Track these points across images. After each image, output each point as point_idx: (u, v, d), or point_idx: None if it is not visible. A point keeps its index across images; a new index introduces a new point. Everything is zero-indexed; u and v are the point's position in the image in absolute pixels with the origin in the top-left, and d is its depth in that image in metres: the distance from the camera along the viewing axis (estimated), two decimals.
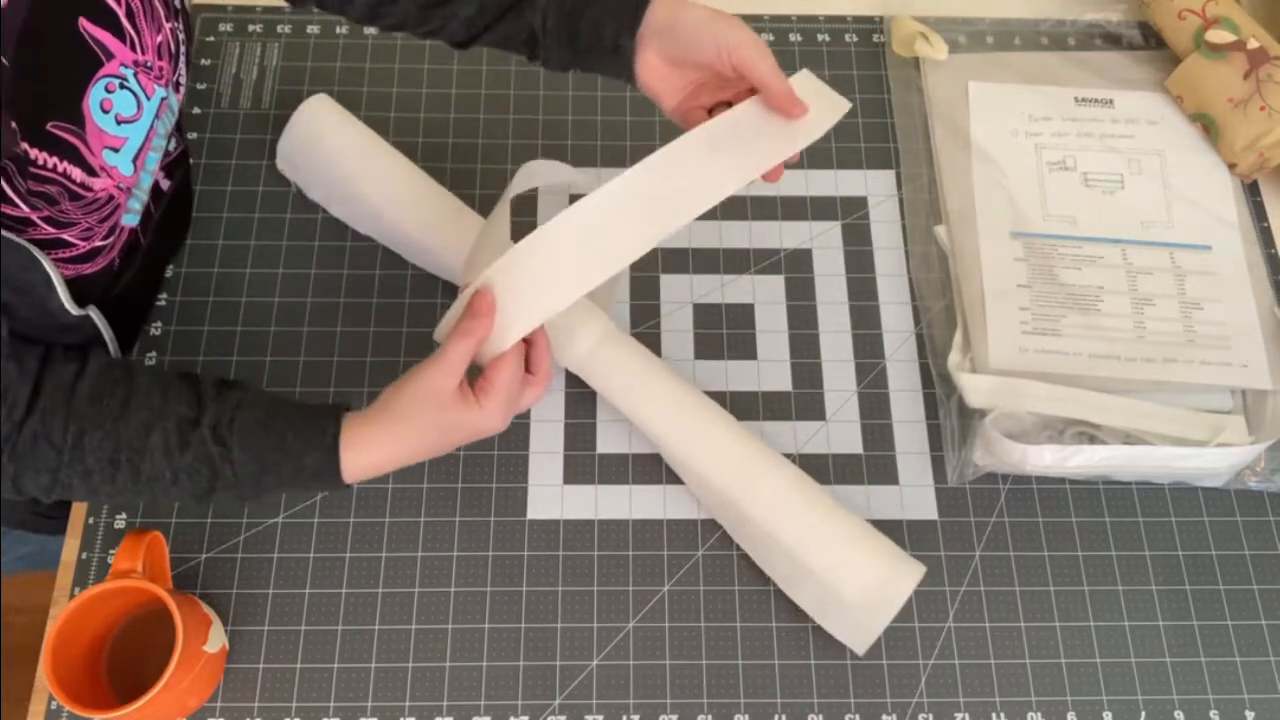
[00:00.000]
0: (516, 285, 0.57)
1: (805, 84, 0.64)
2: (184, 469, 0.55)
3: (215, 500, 0.57)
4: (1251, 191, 0.85)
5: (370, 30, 0.89)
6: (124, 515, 0.71)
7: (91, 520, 0.71)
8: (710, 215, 0.83)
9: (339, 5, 0.66)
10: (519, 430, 0.74)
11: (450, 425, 0.57)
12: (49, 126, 0.53)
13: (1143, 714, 0.68)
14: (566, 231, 0.56)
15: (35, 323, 0.56)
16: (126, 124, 0.59)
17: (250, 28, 0.88)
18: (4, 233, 0.51)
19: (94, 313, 0.61)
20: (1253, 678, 0.69)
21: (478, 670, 0.68)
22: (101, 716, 0.57)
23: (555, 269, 0.57)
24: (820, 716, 0.67)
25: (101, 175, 0.57)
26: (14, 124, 0.50)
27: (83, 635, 0.62)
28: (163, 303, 0.77)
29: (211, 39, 0.88)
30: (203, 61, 0.87)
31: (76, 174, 0.56)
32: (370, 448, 0.56)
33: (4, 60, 0.49)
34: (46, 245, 0.55)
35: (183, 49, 0.64)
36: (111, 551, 0.69)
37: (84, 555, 0.70)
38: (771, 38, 0.90)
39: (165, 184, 0.70)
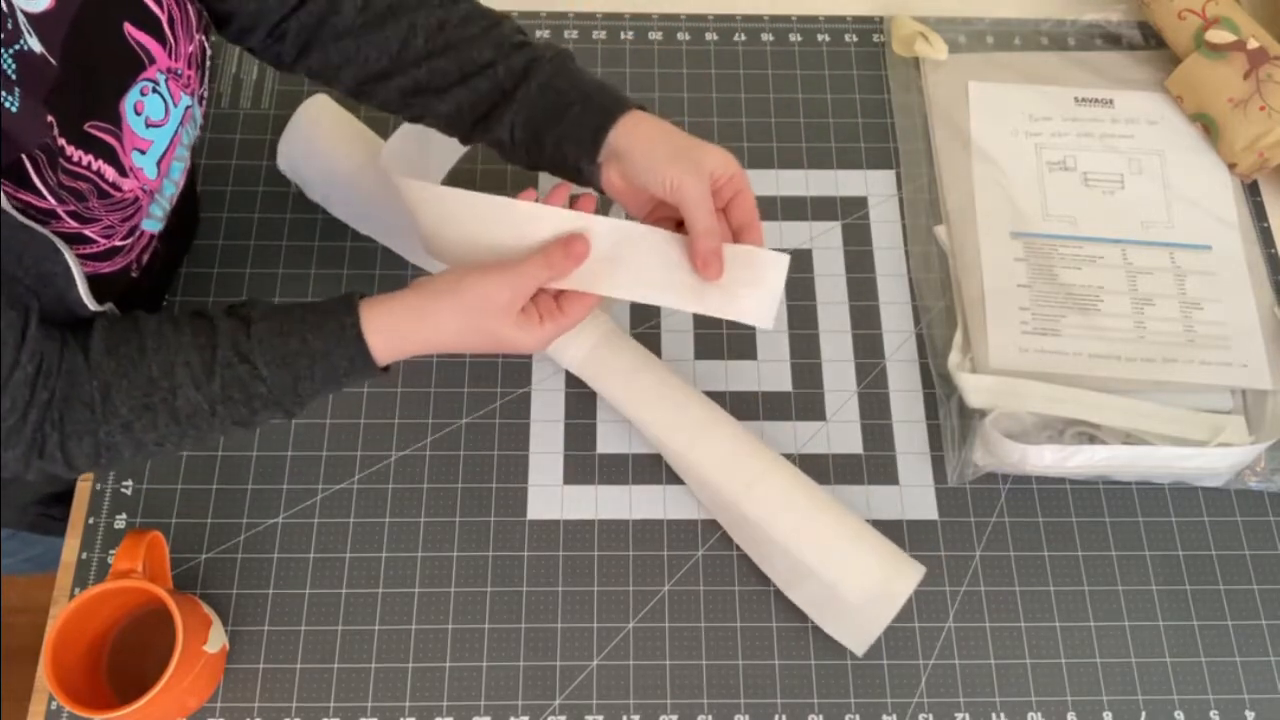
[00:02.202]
0: (608, 250, 0.59)
1: (763, 264, 0.60)
2: (218, 398, 0.55)
3: (260, 421, 0.58)
4: (1251, 191, 0.85)
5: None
6: (124, 515, 0.71)
7: (92, 520, 0.71)
8: None
9: (329, 77, 0.67)
10: (519, 430, 0.75)
11: (497, 337, 0.57)
12: (87, 126, 0.54)
13: (1143, 714, 0.68)
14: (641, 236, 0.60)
15: (54, 315, 0.56)
16: (154, 128, 0.60)
17: None
18: (28, 222, 0.52)
19: (111, 310, 0.61)
20: (1253, 678, 0.69)
21: (478, 670, 0.68)
22: (101, 716, 0.57)
23: (637, 262, 0.59)
24: (820, 716, 0.67)
25: (131, 176, 0.58)
26: (50, 118, 0.51)
27: (83, 635, 0.62)
28: (165, 303, 0.77)
29: (213, 39, 0.88)
30: None
31: (110, 173, 0.56)
32: (402, 332, 0.57)
33: (52, 59, 0.50)
34: (68, 239, 0.55)
35: (208, 61, 0.65)
36: (111, 551, 0.69)
37: (84, 555, 0.70)
38: (771, 38, 0.91)
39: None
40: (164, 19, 0.58)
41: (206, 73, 0.65)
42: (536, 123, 0.62)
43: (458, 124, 0.65)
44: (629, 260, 0.59)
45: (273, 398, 0.56)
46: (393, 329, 0.56)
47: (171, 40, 0.59)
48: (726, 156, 0.60)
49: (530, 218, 0.59)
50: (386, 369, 0.58)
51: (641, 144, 0.60)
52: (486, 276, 0.56)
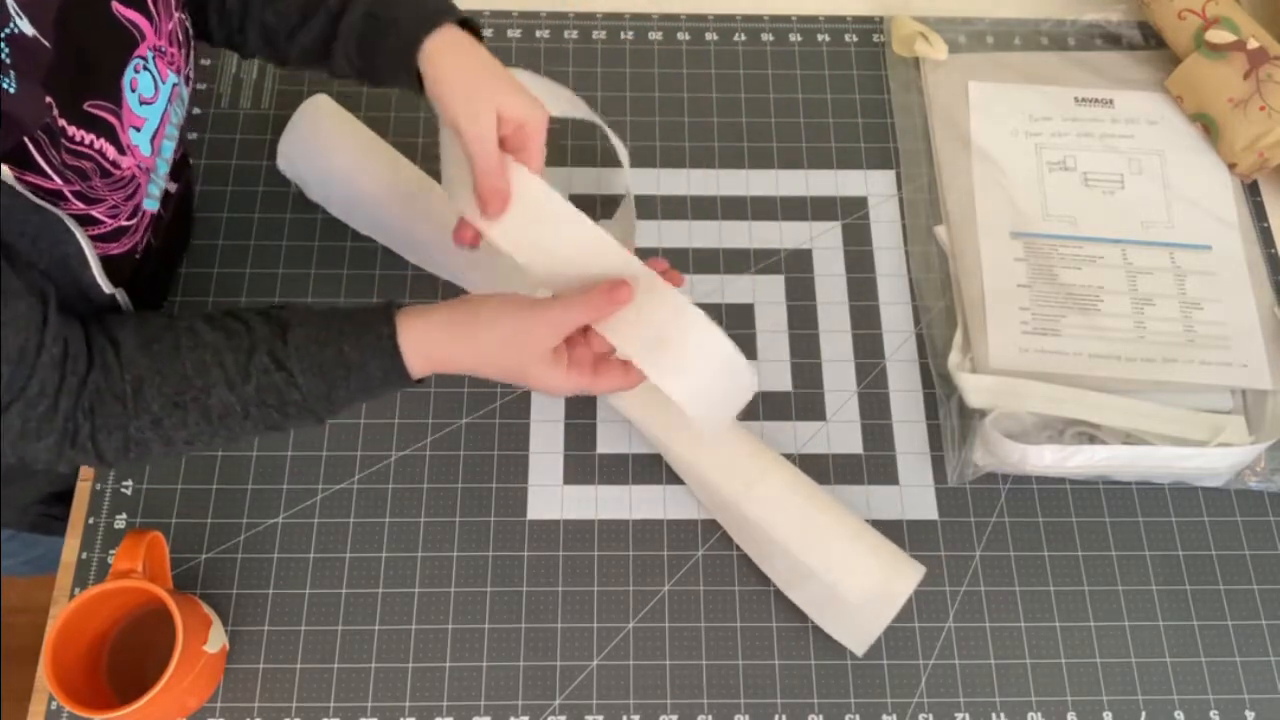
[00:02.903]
0: (653, 306, 0.57)
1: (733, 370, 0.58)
2: (251, 400, 0.55)
3: (292, 426, 0.58)
4: (1251, 191, 0.85)
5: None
6: (124, 515, 0.71)
7: (92, 520, 0.71)
8: (710, 215, 0.83)
9: (207, 34, 0.69)
10: (519, 430, 0.74)
11: (524, 372, 0.57)
12: (86, 105, 0.54)
13: (1143, 714, 0.68)
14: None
15: (69, 300, 0.57)
16: (146, 104, 0.60)
17: None
18: (41, 203, 0.52)
19: (121, 295, 0.61)
20: (1253, 678, 0.69)
21: (478, 670, 0.68)
22: (101, 716, 0.57)
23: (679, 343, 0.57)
24: (820, 716, 0.67)
25: (129, 154, 0.58)
26: (49, 99, 0.51)
27: (83, 635, 0.62)
28: (164, 304, 0.77)
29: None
30: (203, 62, 0.87)
31: (110, 151, 0.57)
32: (436, 349, 0.56)
33: (45, 41, 0.50)
34: (77, 222, 0.56)
35: (191, 41, 0.65)
36: (111, 551, 0.69)
37: (84, 555, 0.70)
38: (772, 37, 0.91)
39: (171, 186, 0.71)
40: None
41: (191, 52, 0.66)
42: (364, 54, 0.63)
43: (314, 67, 0.66)
44: (673, 339, 0.58)
45: (306, 405, 0.56)
46: (429, 345, 0.56)
47: (156, 17, 0.60)
48: (522, 101, 0.60)
49: (600, 251, 0.58)
50: (419, 381, 0.58)
51: (443, 75, 0.60)
52: (525, 313, 0.56)
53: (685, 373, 0.57)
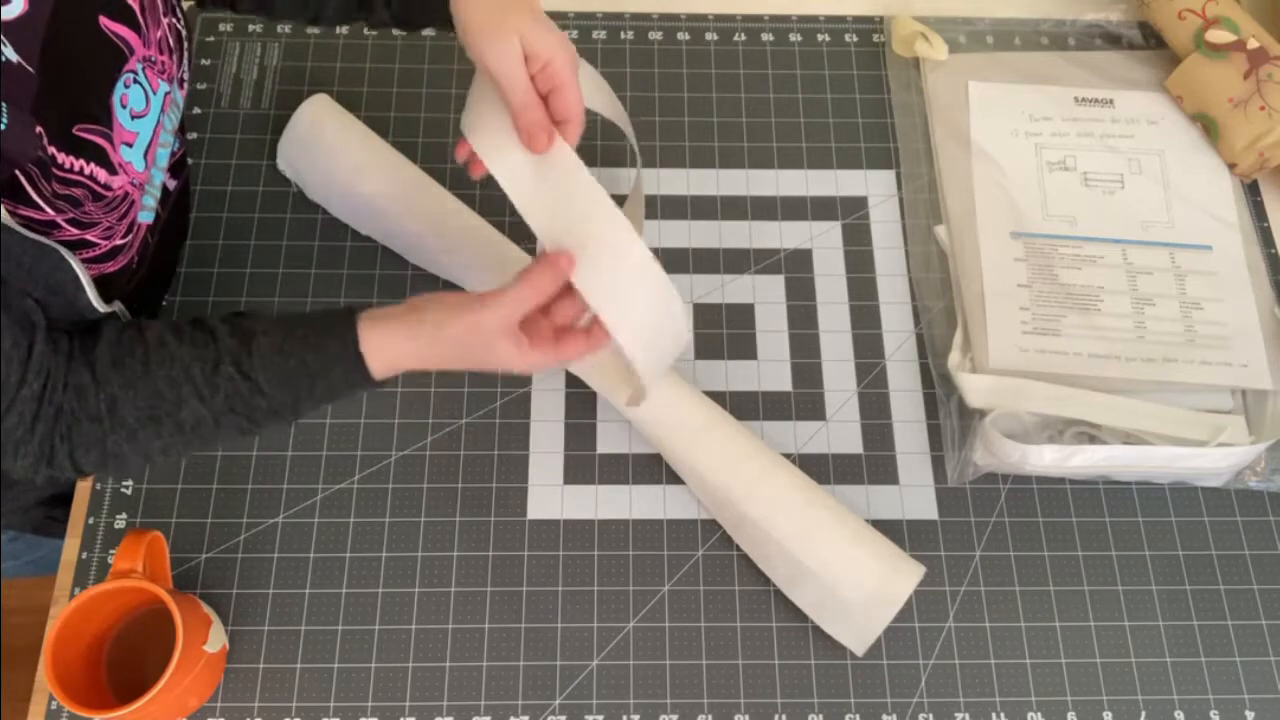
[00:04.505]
0: (601, 265, 0.57)
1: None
2: (221, 410, 0.56)
3: (262, 429, 0.59)
4: (1251, 191, 0.85)
5: (370, 31, 0.89)
6: (124, 515, 0.71)
7: (91, 520, 0.71)
8: (710, 215, 0.83)
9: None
10: (519, 430, 0.74)
11: (484, 357, 0.57)
12: (76, 130, 0.54)
13: (1143, 714, 0.68)
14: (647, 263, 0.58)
15: (64, 320, 0.57)
16: (138, 119, 0.60)
17: (250, 28, 0.88)
18: (36, 236, 0.52)
19: (119, 308, 0.61)
20: (1253, 678, 0.69)
21: (478, 670, 0.68)
22: (101, 716, 0.57)
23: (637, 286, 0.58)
24: (820, 716, 0.67)
25: (120, 173, 0.58)
26: (39, 129, 0.51)
27: (83, 635, 0.62)
28: (164, 303, 0.77)
29: (211, 39, 0.88)
30: (203, 61, 0.87)
31: (101, 175, 0.56)
32: (399, 354, 0.57)
33: (29, 67, 0.50)
34: (71, 246, 0.55)
35: (185, 45, 0.65)
36: (111, 551, 0.69)
37: (84, 555, 0.70)
38: (772, 37, 0.91)
39: (172, 184, 0.71)
40: (136, 6, 0.58)
41: (184, 54, 0.65)
42: (405, 2, 0.64)
43: (348, 20, 0.68)
44: (631, 294, 0.58)
45: (273, 410, 0.57)
46: (390, 348, 0.56)
47: (145, 27, 0.59)
48: (548, 38, 0.56)
49: (592, 202, 0.57)
50: (383, 383, 0.58)
51: (469, 17, 0.57)
52: (475, 309, 0.55)
53: (639, 329, 0.58)
